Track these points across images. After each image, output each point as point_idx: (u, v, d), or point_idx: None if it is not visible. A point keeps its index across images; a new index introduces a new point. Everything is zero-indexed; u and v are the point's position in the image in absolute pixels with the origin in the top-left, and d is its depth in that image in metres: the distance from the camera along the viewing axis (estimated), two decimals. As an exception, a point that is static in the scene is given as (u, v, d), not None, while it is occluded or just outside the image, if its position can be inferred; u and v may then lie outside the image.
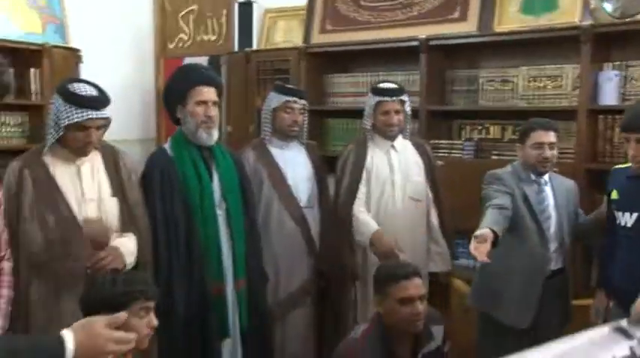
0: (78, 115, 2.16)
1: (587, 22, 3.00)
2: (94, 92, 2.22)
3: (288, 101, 2.96)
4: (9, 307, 2.02)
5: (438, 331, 2.21)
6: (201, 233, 2.55)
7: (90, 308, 1.85)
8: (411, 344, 2.15)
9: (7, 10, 3.61)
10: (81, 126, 2.19)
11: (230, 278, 2.62)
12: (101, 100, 2.24)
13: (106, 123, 2.29)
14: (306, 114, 3.07)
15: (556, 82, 3.18)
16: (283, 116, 2.97)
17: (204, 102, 2.55)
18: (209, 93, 2.57)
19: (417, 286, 2.09)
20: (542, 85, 3.22)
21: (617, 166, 2.45)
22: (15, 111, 3.57)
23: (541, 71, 3.22)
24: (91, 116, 2.17)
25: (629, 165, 2.29)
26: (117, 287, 1.85)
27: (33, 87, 3.61)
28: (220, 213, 2.62)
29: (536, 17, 3.27)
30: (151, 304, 1.89)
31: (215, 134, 2.62)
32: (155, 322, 1.89)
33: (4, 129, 3.55)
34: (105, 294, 1.86)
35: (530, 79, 3.25)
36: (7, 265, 2.06)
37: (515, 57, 3.34)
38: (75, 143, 2.23)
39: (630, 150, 2.21)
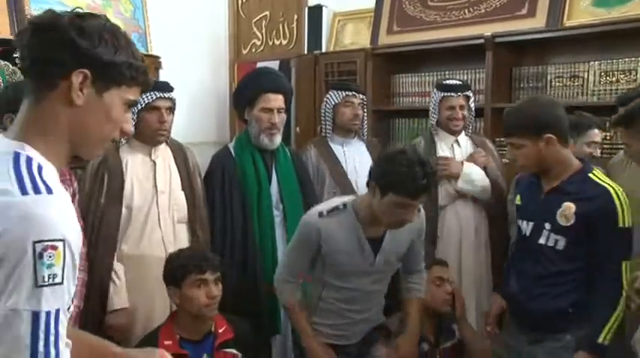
0: (148, 97, 2.39)
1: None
2: (157, 79, 2.47)
3: (348, 95, 3.04)
4: (83, 288, 2.20)
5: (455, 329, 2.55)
6: (257, 232, 2.65)
7: (165, 281, 2.17)
8: (433, 330, 2.50)
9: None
10: (152, 108, 2.41)
11: None
12: (165, 84, 2.49)
13: (172, 105, 2.50)
14: (366, 110, 3.14)
15: (630, 76, 3.07)
16: (344, 111, 3.05)
17: (270, 110, 2.65)
18: (276, 100, 2.66)
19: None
20: (614, 79, 3.11)
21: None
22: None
23: (613, 65, 3.11)
24: (159, 95, 2.41)
25: None
26: (176, 261, 2.07)
27: (117, 91, 3.85)
28: (277, 214, 2.71)
29: (609, 9, 3.15)
30: (209, 276, 2.10)
31: (277, 139, 2.71)
32: (215, 293, 2.10)
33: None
34: (167, 269, 2.09)
35: (602, 73, 3.15)
36: (81, 250, 2.25)
37: (585, 52, 3.24)
38: (149, 127, 2.43)
39: (508, 151, 2.09)
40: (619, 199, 1.95)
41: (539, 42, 3.32)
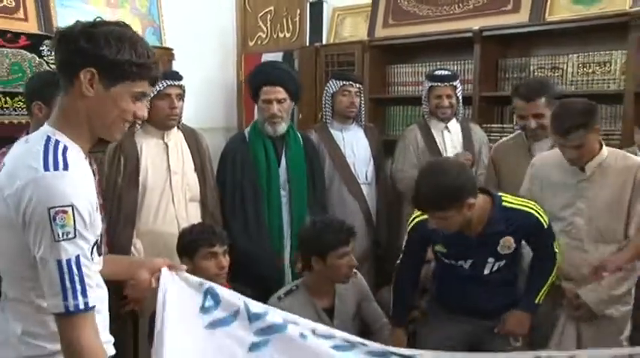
0: (159, 86, 2.58)
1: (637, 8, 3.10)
2: (170, 69, 2.70)
3: (345, 85, 3.29)
4: None
5: None
6: (267, 210, 2.91)
7: (178, 253, 2.37)
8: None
9: (116, 20, 4.18)
10: (163, 95, 2.62)
11: (287, 255, 2.97)
12: (175, 72, 2.71)
13: (182, 92, 2.71)
14: (363, 97, 3.39)
15: (604, 67, 3.32)
16: (341, 99, 3.30)
17: (269, 101, 2.90)
18: (273, 92, 2.89)
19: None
20: (591, 70, 3.36)
21: (418, 219, 2.33)
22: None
23: (590, 58, 3.36)
24: (170, 83, 2.63)
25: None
26: (188, 236, 2.31)
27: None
28: (284, 195, 2.97)
29: (587, 6, 3.39)
30: (218, 249, 2.33)
31: (281, 128, 2.94)
32: (224, 263, 2.33)
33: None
34: (180, 243, 2.34)
35: (580, 65, 3.40)
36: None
37: (565, 45, 3.49)
38: (161, 112, 2.64)
39: (431, 224, 2.16)
40: (539, 213, 2.23)
41: (523, 36, 3.57)
